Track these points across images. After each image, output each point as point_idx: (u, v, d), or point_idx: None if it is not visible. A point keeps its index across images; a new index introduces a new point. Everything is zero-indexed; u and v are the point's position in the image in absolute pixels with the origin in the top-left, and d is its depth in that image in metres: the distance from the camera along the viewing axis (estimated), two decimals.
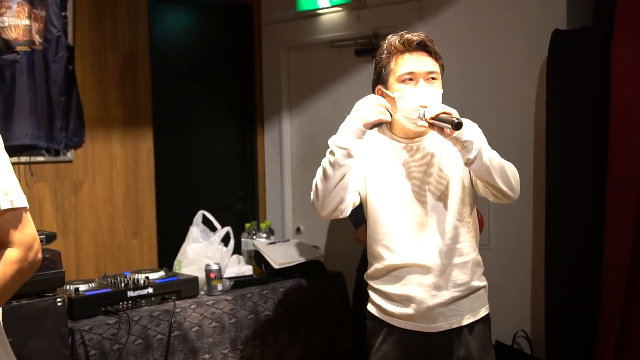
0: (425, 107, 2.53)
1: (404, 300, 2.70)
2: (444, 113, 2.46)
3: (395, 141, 2.73)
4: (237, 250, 4.32)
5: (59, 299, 3.21)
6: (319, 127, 5.24)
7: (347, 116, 2.61)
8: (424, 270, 2.66)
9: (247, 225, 4.46)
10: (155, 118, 4.82)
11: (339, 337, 4.34)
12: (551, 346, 3.90)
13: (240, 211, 5.44)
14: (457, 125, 2.42)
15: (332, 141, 2.58)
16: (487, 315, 2.84)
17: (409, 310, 2.69)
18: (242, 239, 4.40)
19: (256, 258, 4.22)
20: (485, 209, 4.19)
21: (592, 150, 3.76)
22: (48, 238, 3.28)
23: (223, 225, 4.13)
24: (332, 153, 2.56)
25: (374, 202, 2.71)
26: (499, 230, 4.22)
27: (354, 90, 4.96)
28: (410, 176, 2.68)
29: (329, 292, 4.31)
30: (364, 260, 4.39)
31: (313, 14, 5.07)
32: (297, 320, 4.14)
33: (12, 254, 1.95)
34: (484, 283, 2.81)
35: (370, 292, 2.84)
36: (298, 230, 5.41)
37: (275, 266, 4.09)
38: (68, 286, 3.51)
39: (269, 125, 5.47)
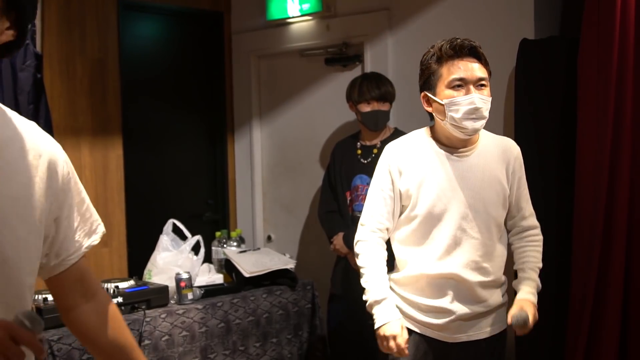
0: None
1: (430, 310, 2.69)
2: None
3: (439, 148, 2.69)
4: (208, 259, 4.30)
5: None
6: (289, 135, 5.25)
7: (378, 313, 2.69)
8: (455, 283, 2.65)
9: (218, 233, 4.45)
10: (125, 126, 4.80)
11: (310, 346, 4.34)
12: (521, 353, 3.93)
13: (210, 220, 5.43)
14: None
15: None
16: (505, 331, 2.83)
17: (433, 319, 2.69)
18: (213, 248, 4.38)
19: (227, 267, 4.21)
20: None
21: (560, 158, 3.80)
22: None
23: (193, 234, 4.11)
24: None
25: (410, 211, 2.68)
26: None
27: (324, 99, 4.98)
28: (450, 187, 2.65)
29: (300, 301, 4.30)
30: (338, 271, 4.41)
31: (283, 23, 5.08)
32: (268, 329, 4.13)
33: (115, 307, 1.81)
34: (506, 299, 2.81)
35: (392, 294, 2.79)
36: (269, 238, 5.41)
37: (246, 275, 4.08)
38: (36, 296, 3.47)
39: (239, 133, 5.47)
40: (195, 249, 4.06)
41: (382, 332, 2.64)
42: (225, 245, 4.37)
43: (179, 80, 5.30)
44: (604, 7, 3.54)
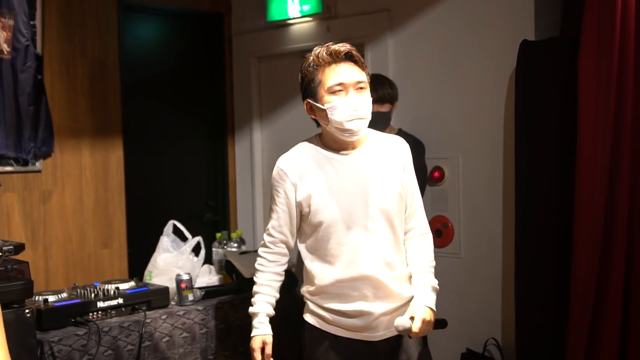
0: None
1: (352, 314, 2.74)
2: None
3: (329, 152, 2.76)
4: (208, 260, 4.30)
5: (27, 310, 3.17)
6: (289, 136, 5.24)
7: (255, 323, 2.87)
8: (366, 282, 2.71)
9: (218, 234, 4.45)
10: (125, 128, 4.80)
11: None
12: (522, 353, 3.93)
13: (211, 221, 5.43)
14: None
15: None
16: None
17: (354, 321, 2.74)
18: (213, 249, 4.38)
19: (227, 268, 4.21)
20: (455, 217, 4.22)
21: (561, 159, 3.80)
22: (16, 248, 3.24)
23: (194, 235, 4.10)
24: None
25: (316, 218, 2.73)
26: (469, 239, 4.25)
27: None
28: (347, 188, 2.71)
29: (299, 302, 4.29)
30: None
31: (283, 24, 5.08)
32: None
33: None
34: None
35: (310, 304, 2.86)
36: None
37: (247, 276, 4.08)
38: (37, 297, 3.47)
39: (240, 134, 5.47)
40: (196, 250, 4.06)
41: (250, 344, 2.86)
42: (225, 247, 4.37)
43: (179, 82, 5.30)
44: (604, 8, 3.54)
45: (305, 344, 2.87)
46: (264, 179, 5.43)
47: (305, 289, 2.88)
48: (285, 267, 2.90)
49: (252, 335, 2.84)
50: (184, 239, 4.13)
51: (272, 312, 2.88)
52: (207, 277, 4.10)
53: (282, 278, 2.91)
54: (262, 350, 2.84)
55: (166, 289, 3.81)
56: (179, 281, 3.83)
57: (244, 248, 4.45)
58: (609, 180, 3.54)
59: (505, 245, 4.12)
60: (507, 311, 4.12)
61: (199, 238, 4.08)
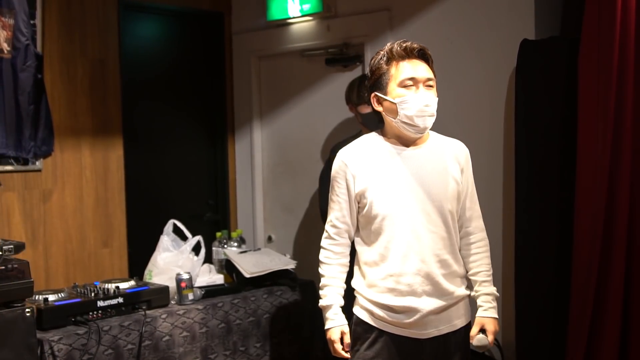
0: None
1: (401, 310, 2.73)
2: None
3: (391, 147, 2.78)
4: (208, 259, 4.31)
5: (27, 309, 3.18)
6: (289, 135, 5.25)
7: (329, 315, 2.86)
8: (418, 278, 2.71)
9: (218, 234, 4.45)
10: (125, 127, 4.80)
11: (311, 346, 4.34)
12: (522, 353, 3.93)
13: (211, 220, 5.43)
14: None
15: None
16: (469, 324, 2.90)
17: (404, 318, 2.74)
18: (213, 248, 4.39)
19: (227, 267, 4.21)
20: None
21: (561, 159, 3.80)
22: (16, 248, 3.25)
23: (194, 234, 4.11)
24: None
25: (373, 210, 2.74)
26: None
27: (325, 99, 4.98)
28: (406, 183, 2.72)
29: (300, 301, 4.30)
30: None
31: (283, 23, 5.08)
32: (268, 330, 4.13)
33: None
34: (468, 292, 2.88)
35: (360, 298, 2.86)
36: (269, 239, 5.41)
37: (247, 275, 4.09)
38: (37, 296, 3.48)
39: (240, 134, 5.47)
40: (196, 249, 4.06)
41: (327, 335, 2.85)
42: (225, 246, 4.37)
43: (180, 81, 5.30)
44: (604, 7, 3.53)
45: (352, 337, 2.87)
46: (264, 178, 5.43)
47: (356, 282, 2.88)
48: (349, 258, 2.90)
49: (327, 327, 2.83)
50: (184, 238, 4.13)
51: (342, 302, 2.87)
52: (207, 276, 4.10)
53: (347, 269, 2.91)
54: (341, 341, 2.84)
55: (166, 288, 3.82)
56: (179, 280, 3.84)
57: (244, 247, 4.46)
58: (609, 180, 3.54)
59: (505, 245, 4.12)
60: (507, 310, 4.11)
61: (199, 237, 4.08)
